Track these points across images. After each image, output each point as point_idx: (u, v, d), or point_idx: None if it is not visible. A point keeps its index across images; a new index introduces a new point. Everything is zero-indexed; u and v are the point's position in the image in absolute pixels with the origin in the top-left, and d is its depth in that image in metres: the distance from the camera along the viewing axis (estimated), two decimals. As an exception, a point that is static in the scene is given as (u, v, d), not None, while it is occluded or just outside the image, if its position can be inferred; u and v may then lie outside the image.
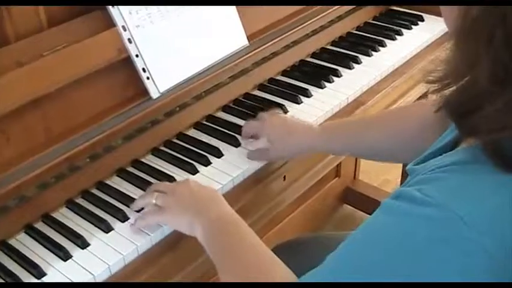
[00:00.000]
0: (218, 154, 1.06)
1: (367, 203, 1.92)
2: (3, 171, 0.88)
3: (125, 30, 1.02)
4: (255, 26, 1.24)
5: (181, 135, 1.11)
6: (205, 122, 1.15)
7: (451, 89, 0.62)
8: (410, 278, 0.57)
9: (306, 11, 1.34)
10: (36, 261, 0.85)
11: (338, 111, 1.20)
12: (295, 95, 1.22)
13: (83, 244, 0.88)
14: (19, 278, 0.83)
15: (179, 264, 0.92)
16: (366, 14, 1.52)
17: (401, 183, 1.86)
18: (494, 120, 0.56)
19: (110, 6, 1.00)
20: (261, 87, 1.26)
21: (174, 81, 1.08)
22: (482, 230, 0.55)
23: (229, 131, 1.12)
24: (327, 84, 1.26)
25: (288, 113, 1.17)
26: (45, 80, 0.92)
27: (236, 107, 1.20)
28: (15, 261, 0.86)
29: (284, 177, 1.09)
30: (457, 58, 0.59)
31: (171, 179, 1.00)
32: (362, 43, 1.41)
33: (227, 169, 1.02)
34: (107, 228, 0.90)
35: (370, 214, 0.65)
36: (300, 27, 1.31)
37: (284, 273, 0.74)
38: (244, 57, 1.19)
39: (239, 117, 1.15)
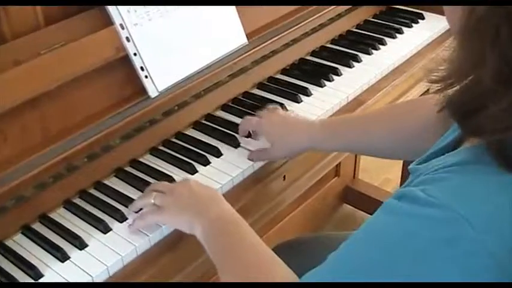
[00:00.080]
0: (217, 154, 1.05)
1: (367, 203, 1.91)
2: (0, 171, 0.87)
3: (122, 28, 1.01)
4: (254, 24, 1.23)
5: (180, 135, 1.11)
6: (204, 121, 1.15)
7: (454, 88, 0.62)
8: (411, 278, 0.57)
9: (305, 9, 1.33)
10: (33, 262, 0.84)
11: (338, 110, 1.19)
12: (295, 93, 1.21)
13: (81, 245, 0.87)
14: (16, 280, 0.82)
15: (179, 264, 0.91)
16: (366, 12, 1.52)
17: (401, 182, 1.86)
18: (499, 120, 0.56)
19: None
20: (261, 86, 1.25)
21: (173, 80, 1.08)
22: (486, 230, 0.55)
23: (229, 130, 1.11)
24: (326, 82, 1.25)
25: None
26: (43, 78, 0.91)
27: (235, 106, 1.19)
28: (12, 262, 0.85)
29: (284, 176, 1.08)
30: (461, 57, 0.59)
31: (169, 178, 0.99)
32: (362, 41, 1.41)
33: (226, 169, 1.01)
34: (105, 229, 0.90)
35: (370, 214, 0.65)
36: (299, 25, 1.30)
37: (285, 273, 0.74)
38: (244, 55, 1.18)
39: (238, 116, 1.14)
